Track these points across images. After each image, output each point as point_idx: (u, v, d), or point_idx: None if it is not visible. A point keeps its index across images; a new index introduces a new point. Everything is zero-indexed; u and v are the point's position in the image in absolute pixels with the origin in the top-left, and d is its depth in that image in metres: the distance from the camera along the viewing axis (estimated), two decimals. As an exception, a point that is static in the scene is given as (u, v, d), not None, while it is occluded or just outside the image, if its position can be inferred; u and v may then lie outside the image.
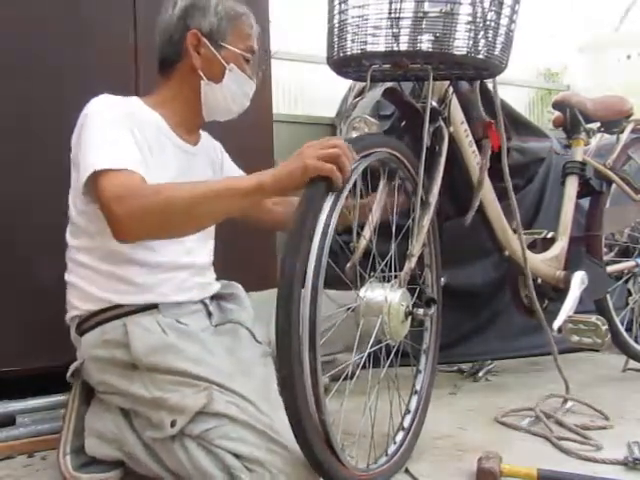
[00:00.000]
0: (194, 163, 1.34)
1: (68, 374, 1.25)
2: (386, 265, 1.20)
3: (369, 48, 1.17)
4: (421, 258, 1.39)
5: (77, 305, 1.22)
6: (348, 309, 1.17)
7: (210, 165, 1.43)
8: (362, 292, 1.17)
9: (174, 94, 1.30)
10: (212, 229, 1.40)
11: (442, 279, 1.44)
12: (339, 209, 1.04)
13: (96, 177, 1.10)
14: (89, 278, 1.21)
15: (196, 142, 1.37)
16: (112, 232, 1.08)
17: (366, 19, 1.15)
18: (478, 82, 1.45)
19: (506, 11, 1.18)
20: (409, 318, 1.20)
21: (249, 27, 1.33)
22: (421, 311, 1.21)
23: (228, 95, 1.31)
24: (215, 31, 1.28)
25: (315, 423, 1.00)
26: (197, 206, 1.09)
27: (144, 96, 1.31)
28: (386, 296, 1.15)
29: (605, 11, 3.71)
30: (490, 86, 1.46)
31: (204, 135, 1.43)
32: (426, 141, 1.22)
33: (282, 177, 1.07)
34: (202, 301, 1.32)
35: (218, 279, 1.41)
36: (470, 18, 1.14)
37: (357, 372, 1.15)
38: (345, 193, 1.06)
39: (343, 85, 2.50)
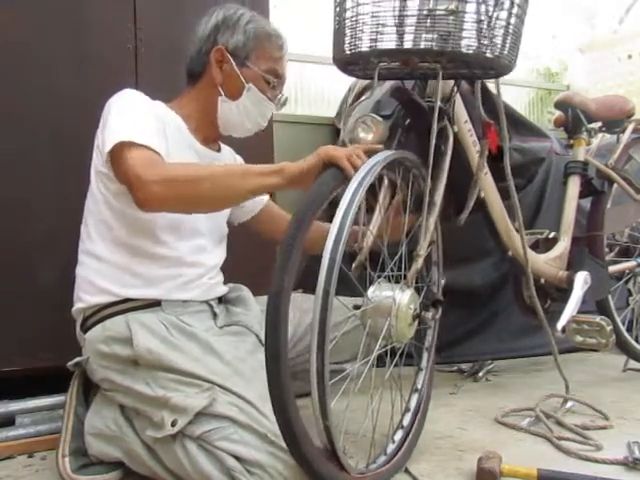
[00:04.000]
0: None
1: (70, 362, 1.26)
2: (394, 265, 1.19)
3: (378, 46, 1.16)
4: (429, 256, 1.39)
5: (83, 298, 1.23)
6: (356, 307, 1.17)
7: None
8: (370, 292, 1.16)
9: (195, 104, 1.34)
10: (226, 230, 1.42)
11: (442, 280, 1.43)
12: (355, 210, 1.04)
13: (120, 148, 1.13)
14: (97, 270, 1.22)
15: (217, 151, 1.41)
16: (136, 198, 1.10)
17: (374, 17, 1.14)
18: (479, 82, 1.45)
19: (515, 10, 1.17)
20: (416, 321, 1.20)
21: (277, 50, 1.34)
22: (429, 314, 1.21)
23: (243, 113, 1.34)
24: (240, 49, 1.32)
25: (320, 429, 1.00)
26: (222, 179, 1.15)
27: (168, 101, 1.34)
28: (395, 297, 1.15)
29: (605, 11, 3.71)
30: (490, 86, 1.46)
31: (226, 149, 1.47)
32: (434, 140, 1.22)
33: (300, 163, 1.15)
34: (207, 302, 1.32)
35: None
36: (480, 16, 1.14)
37: (363, 374, 1.14)
38: (365, 187, 1.07)
39: (343, 85, 2.50)
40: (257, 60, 1.33)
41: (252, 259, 1.63)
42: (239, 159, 1.53)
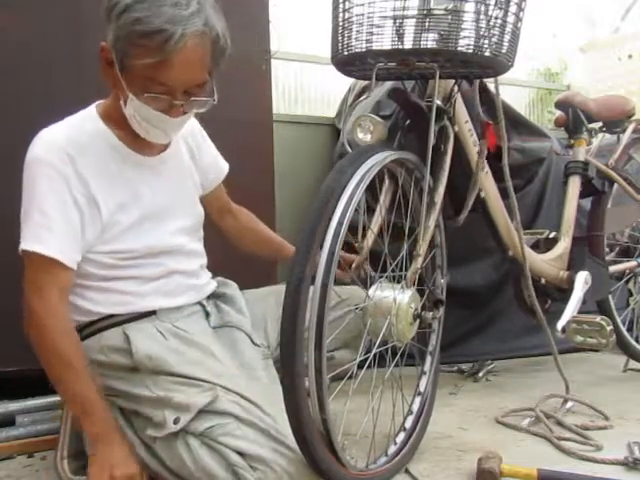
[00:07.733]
0: (162, 171, 1.25)
1: None
2: (396, 265, 1.20)
3: (375, 46, 1.16)
4: (433, 259, 1.39)
5: (73, 318, 1.21)
6: (356, 308, 1.17)
7: (185, 162, 1.32)
8: (371, 292, 1.16)
9: (113, 106, 1.17)
10: (200, 229, 1.36)
11: (446, 277, 1.42)
12: (352, 212, 1.05)
13: (24, 253, 1.13)
14: (80, 294, 1.19)
15: (161, 149, 1.24)
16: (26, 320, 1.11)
17: (371, 17, 1.14)
18: (478, 81, 1.45)
19: (513, 9, 1.17)
20: (417, 321, 1.20)
21: (156, 51, 1.00)
22: (429, 314, 1.21)
23: (138, 125, 1.12)
24: (116, 48, 1.04)
25: (317, 422, 1.00)
26: (65, 389, 1.12)
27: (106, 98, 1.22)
28: (395, 297, 1.15)
29: (605, 11, 3.71)
30: (490, 86, 1.46)
31: (173, 149, 1.28)
32: (432, 140, 1.22)
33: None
34: (199, 302, 1.31)
35: (218, 276, 1.41)
36: (477, 16, 1.14)
37: (362, 373, 1.14)
38: (365, 184, 1.08)
39: (343, 85, 2.50)
40: (134, 64, 1.03)
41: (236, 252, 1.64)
42: (191, 132, 1.32)
